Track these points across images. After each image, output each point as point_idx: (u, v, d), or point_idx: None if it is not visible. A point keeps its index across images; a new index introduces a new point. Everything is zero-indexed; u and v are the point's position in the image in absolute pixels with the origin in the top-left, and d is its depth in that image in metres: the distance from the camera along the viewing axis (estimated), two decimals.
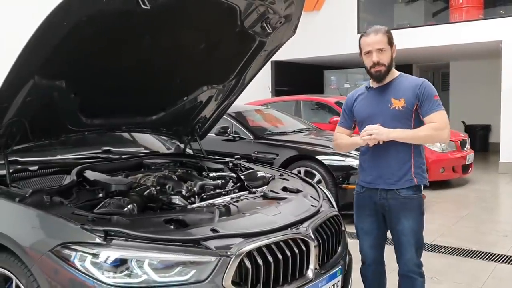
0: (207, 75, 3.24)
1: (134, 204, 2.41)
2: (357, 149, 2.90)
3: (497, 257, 4.32)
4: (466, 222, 5.66)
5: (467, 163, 7.71)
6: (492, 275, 3.91)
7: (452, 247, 4.60)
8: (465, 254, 4.43)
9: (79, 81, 2.59)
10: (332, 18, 11.20)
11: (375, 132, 2.56)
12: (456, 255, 4.42)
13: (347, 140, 2.85)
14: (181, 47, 2.84)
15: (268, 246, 2.18)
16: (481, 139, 12.45)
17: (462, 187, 7.72)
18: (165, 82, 3.08)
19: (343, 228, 2.80)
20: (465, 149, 7.83)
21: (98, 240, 1.98)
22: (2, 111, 2.36)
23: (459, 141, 7.71)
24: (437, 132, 2.59)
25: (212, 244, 2.08)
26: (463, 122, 12.76)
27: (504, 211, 6.81)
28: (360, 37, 2.70)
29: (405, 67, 13.76)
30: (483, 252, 4.46)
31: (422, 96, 2.61)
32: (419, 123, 2.63)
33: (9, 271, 2.15)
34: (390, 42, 2.66)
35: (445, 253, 4.46)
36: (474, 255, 4.40)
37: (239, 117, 6.61)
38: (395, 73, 2.74)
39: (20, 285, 2.10)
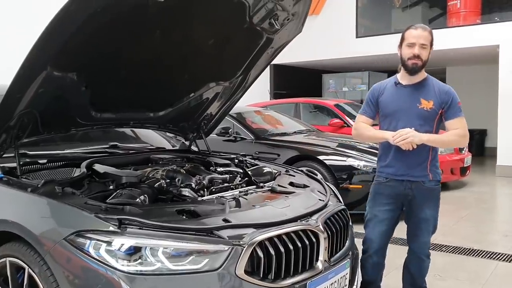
0: (215, 71, 3.26)
1: (146, 195, 2.42)
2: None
3: (499, 256, 4.35)
4: (466, 222, 5.69)
5: (465, 165, 7.76)
6: (494, 272, 3.94)
7: (454, 246, 4.62)
8: (467, 253, 4.45)
9: (90, 74, 2.60)
10: (331, 22, 11.26)
11: (411, 135, 2.67)
12: (458, 253, 4.44)
13: (374, 133, 2.92)
14: (190, 42, 2.87)
15: (279, 237, 2.20)
16: (478, 144, 12.51)
17: (460, 189, 7.76)
18: (174, 77, 3.11)
19: (350, 223, 2.83)
20: (463, 151, 7.88)
21: (112, 228, 1.99)
22: (16, 101, 2.36)
23: None
24: (460, 138, 2.86)
25: (225, 233, 2.09)
26: None
27: (503, 212, 6.85)
28: (407, 29, 2.79)
29: None
30: (485, 251, 4.48)
31: (450, 101, 2.78)
32: (439, 125, 2.80)
33: (21, 260, 2.15)
34: (431, 43, 2.79)
35: (447, 252, 4.48)
36: (476, 254, 4.42)
37: (240, 118, 6.63)
38: (424, 73, 2.86)
39: (33, 274, 2.10)
